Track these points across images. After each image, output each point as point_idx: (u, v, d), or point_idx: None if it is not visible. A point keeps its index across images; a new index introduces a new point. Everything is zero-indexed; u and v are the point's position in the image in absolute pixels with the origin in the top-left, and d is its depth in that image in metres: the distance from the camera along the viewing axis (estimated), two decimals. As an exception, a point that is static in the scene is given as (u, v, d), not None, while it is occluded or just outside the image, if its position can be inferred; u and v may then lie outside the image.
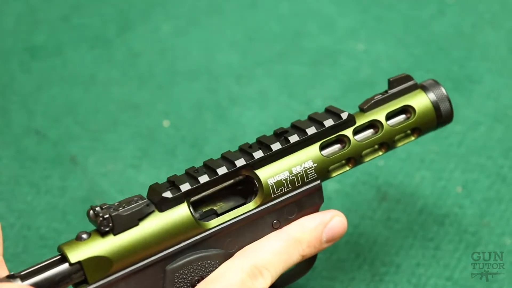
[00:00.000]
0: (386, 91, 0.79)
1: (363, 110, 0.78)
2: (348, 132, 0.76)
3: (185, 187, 0.70)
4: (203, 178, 0.71)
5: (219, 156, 0.74)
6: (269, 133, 0.77)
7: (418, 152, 1.00)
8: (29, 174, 1.00)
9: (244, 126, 1.04)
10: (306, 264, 0.77)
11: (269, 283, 0.71)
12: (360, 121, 0.77)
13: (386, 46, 1.14)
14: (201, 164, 0.74)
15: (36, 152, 1.03)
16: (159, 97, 1.09)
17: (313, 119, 0.76)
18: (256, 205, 0.73)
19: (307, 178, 0.74)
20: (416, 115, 0.78)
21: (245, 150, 0.74)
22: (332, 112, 0.76)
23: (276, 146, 0.73)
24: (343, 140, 0.76)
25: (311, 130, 0.75)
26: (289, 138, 0.74)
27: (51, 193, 0.98)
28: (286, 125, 0.79)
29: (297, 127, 0.75)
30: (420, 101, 0.79)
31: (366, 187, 0.97)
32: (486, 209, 0.95)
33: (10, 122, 1.06)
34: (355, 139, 0.76)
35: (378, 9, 1.18)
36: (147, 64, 1.13)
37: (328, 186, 0.97)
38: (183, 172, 0.73)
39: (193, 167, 0.73)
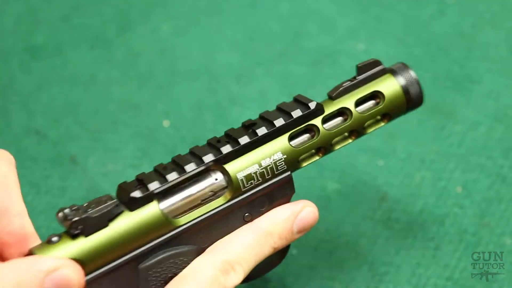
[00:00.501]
0: (354, 77, 0.78)
1: (331, 97, 0.77)
2: (317, 121, 0.75)
3: (153, 185, 0.70)
4: (171, 176, 0.70)
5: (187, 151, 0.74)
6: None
7: (418, 152, 1.00)
8: (29, 174, 1.00)
9: (244, 126, 1.04)
10: (279, 255, 0.77)
11: (241, 277, 0.71)
12: (328, 110, 0.76)
13: (386, 46, 1.14)
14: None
15: (36, 152, 1.03)
16: (159, 97, 1.09)
17: (281, 110, 0.76)
18: (226, 200, 0.72)
19: (277, 170, 0.74)
20: (385, 100, 0.77)
21: (213, 145, 0.73)
22: (300, 101, 0.76)
23: (244, 140, 0.73)
24: (312, 129, 0.76)
25: (279, 122, 0.74)
26: (257, 130, 0.73)
27: (51, 193, 0.98)
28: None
29: (265, 119, 0.75)
30: (389, 86, 0.78)
31: (366, 187, 0.97)
32: (486, 209, 0.95)
33: (10, 122, 1.06)
34: (324, 128, 0.75)
35: (378, 9, 1.18)
36: (147, 64, 1.13)
37: (328, 186, 0.97)
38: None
39: (161, 163, 0.72)
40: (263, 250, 0.73)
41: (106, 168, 1.01)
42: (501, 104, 1.05)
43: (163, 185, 0.70)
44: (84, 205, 0.68)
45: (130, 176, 1.00)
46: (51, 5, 1.20)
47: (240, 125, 0.75)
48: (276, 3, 1.20)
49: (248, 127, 0.74)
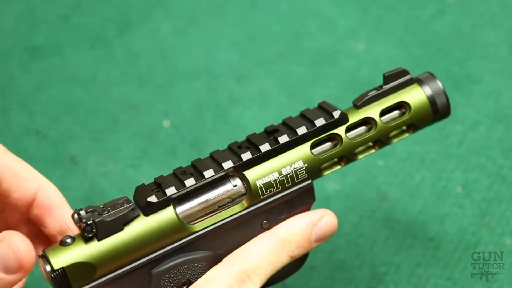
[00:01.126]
0: (381, 86, 0.76)
1: (356, 106, 0.75)
2: (340, 130, 0.74)
3: (170, 191, 0.69)
4: (189, 182, 0.69)
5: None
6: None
7: (418, 152, 1.00)
8: (29, 174, 1.00)
9: (244, 126, 1.04)
10: (297, 263, 0.76)
11: (258, 287, 0.70)
12: (353, 119, 0.74)
13: (386, 46, 1.14)
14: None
15: (36, 152, 1.03)
16: (159, 97, 1.09)
17: (305, 117, 0.74)
18: (244, 207, 0.71)
19: (298, 178, 0.72)
20: (411, 111, 0.75)
21: (234, 150, 0.72)
22: (324, 109, 0.74)
23: (265, 147, 0.71)
24: (335, 138, 0.74)
25: (301, 130, 0.72)
26: (279, 138, 0.72)
27: (51, 193, 0.98)
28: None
29: (287, 126, 0.73)
30: (415, 97, 0.76)
31: (366, 187, 0.97)
32: (486, 209, 0.95)
33: (10, 122, 1.06)
34: (348, 137, 0.74)
35: (378, 9, 1.18)
36: (147, 64, 1.13)
37: (328, 186, 0.97)
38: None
39: (181, 167, 0.72)
40: (281, 259, 0.72)
41: (106, 168, 1.01)
42: (501, 104, 1.05)
43: (180, 191, 0.69)
44: (101, 206, 0.68)
45: (130, 176, 1.00)
46: (51, 5, 1.20)
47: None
48: (276, 3, 1.20)
49: (270, 133, 0.73)
